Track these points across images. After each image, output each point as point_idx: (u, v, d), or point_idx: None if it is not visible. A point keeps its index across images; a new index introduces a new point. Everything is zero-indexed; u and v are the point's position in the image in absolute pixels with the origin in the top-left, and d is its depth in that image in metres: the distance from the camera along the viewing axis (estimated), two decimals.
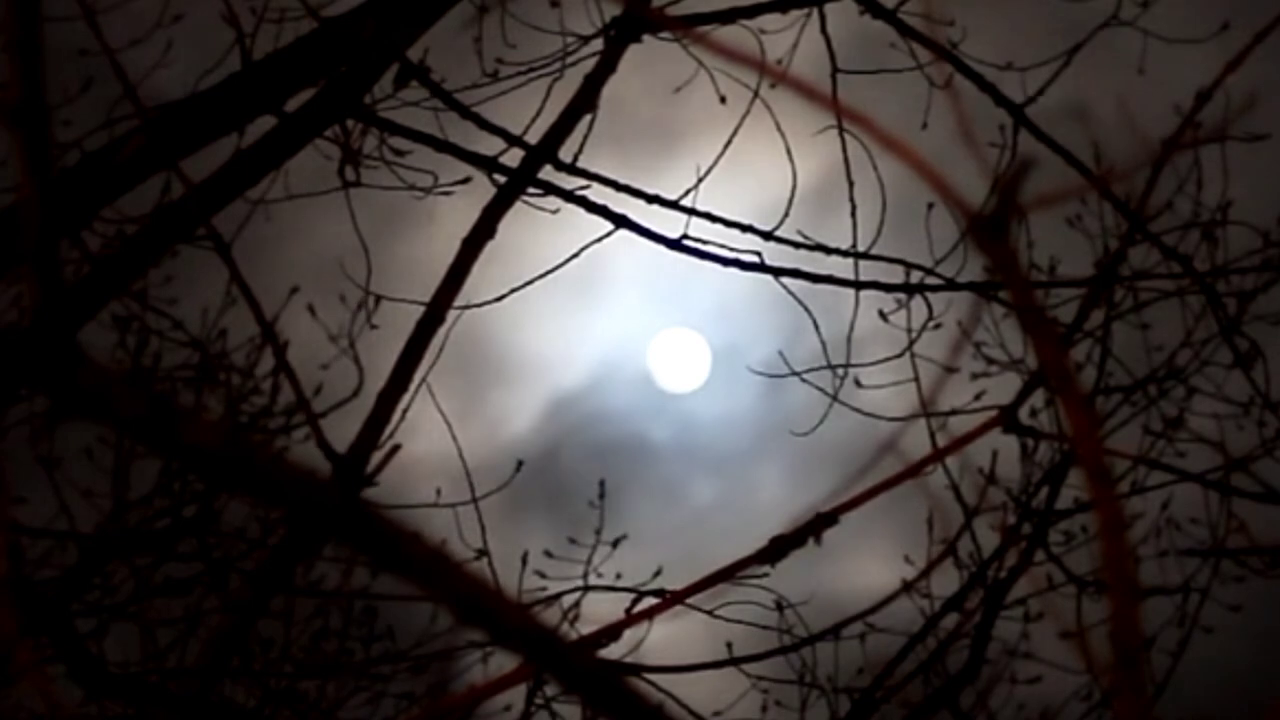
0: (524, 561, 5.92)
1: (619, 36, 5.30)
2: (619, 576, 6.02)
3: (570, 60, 5.45)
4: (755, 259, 5.45)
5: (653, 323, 7.06)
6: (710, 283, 5.93)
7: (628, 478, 7.10)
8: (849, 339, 5.89)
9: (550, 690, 5.73)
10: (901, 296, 5.86)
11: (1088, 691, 6.38)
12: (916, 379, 5.89)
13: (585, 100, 5.22)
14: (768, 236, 5.44)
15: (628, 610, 5.57)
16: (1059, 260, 6.42)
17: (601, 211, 5.30)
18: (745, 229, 5.43)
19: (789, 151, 5.64)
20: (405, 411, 4.76)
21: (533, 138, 5.25)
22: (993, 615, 6.43)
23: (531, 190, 5.21)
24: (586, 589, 6.00)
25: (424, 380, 4.81)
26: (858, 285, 5.70)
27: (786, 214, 5.50)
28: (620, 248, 5.42)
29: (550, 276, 5.35)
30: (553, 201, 5.29)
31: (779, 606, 5.92)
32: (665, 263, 5.51)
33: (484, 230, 5.00)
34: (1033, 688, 6.45)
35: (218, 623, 5.24)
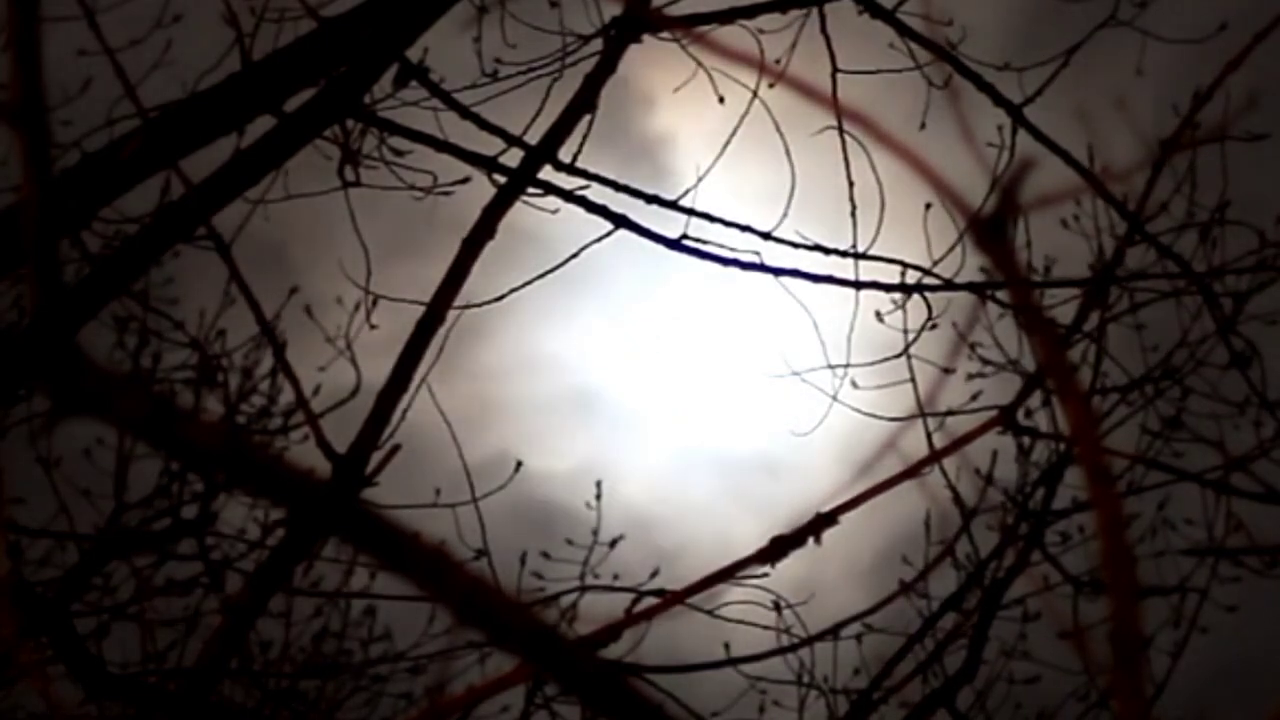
0: (523, 561, 5.93)
1: (619, 36, 5.30)
2: (616, 577, 6.03)
3: (570, 60, 5.45)
4: (755, 259, 5.45)
5: (652, 321, 7.06)
6: (710, 282, 5.93)
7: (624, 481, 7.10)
8: (849, 339, 5.90)
9: (550, 690, 5.73)
10: (899, 297, 5.86)
11: (1085, 691, 6.39)
12: (913, 379, 5.90)
13: (585, 100, 5.22)
14: (767, 236, 5.44)
15: (627, 610, 5.57)
16: (1054, 260, 6.43)
17: (601, 211, 5.30)
18: (745, 229, 5.43)
19: (789, 151, 5.65)
20: (405, 411, 4.76)
21: (533, 138, 5.25)
22: (990, 615, 6.44)
23: (531, 190, 5.21)
24: (585, 589, 6.00)
25: (424, 380, 4.81)
26: (857, 285, 5.70)
27: (786, 214, 5.51)
28: (621, 247, 5.42)
29: (550, 276, 5.36)
30: (553, 201, 5.30)
31: (777, 607, 5.93)
32: (665, 261, 5.52)
33: (484, 230, 5.00)
34: (1030, 688, 6.46)
35: (218, 623, 5.24)
